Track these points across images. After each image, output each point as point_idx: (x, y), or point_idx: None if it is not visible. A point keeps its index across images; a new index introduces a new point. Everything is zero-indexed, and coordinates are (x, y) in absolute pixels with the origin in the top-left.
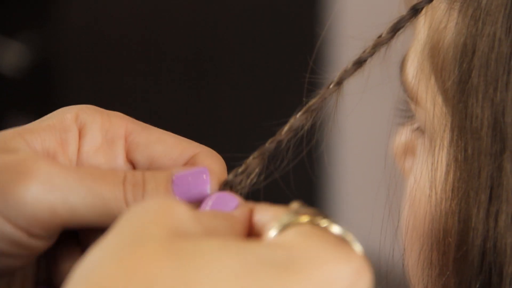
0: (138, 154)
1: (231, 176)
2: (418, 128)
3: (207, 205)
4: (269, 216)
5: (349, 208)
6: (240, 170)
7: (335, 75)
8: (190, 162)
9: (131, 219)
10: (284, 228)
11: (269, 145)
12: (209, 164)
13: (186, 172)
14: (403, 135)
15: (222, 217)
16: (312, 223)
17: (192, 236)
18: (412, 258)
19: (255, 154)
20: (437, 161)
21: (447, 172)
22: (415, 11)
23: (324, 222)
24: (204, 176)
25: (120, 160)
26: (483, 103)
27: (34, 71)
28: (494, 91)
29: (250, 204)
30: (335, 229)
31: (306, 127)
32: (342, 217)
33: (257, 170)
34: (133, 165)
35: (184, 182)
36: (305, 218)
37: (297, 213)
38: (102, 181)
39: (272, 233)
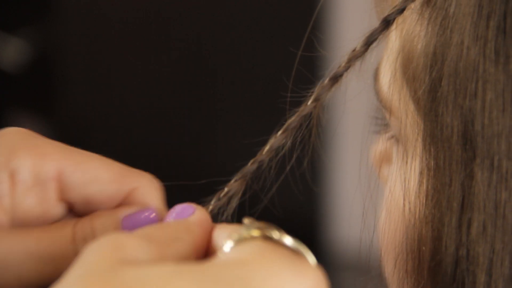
0: (73, 194)
1: (214, 200)
2: (393, 137)
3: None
4: (225, 233)
5: (346, 205)
6: (222, 194)
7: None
8: (128, 199)
9: (82, 258)
10: (237, 243)
11: (251, 166)
12: (150, 201)
13: (133, 212)
14: (379, 144)
15: (177, 225)
16: (265, 236)
17: (142, 263)
18: (389, 267)
19: (237, 176)
20: (410, 170)
21: (420, 181)
22: (387, 23)
23: (276, 235)
24: (152, 215)
25: (53, 202)
26: (453, 112)
27: (34, 67)
28: (463, 99)
29: (211, 222)
30: (288, 241)
31: (290, 145)
32: (337, 222)
33: (239, 192)
34: (69, 204)
35: (133, 221)
36: (257, 232)
37: (250, 227)
38: (51, 246)
39: (225, 248)
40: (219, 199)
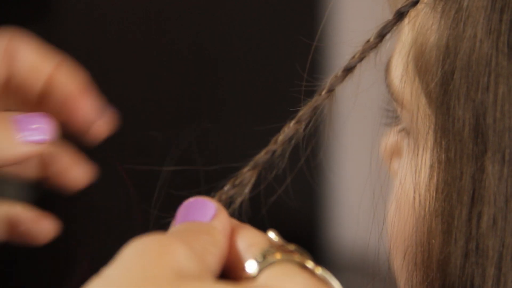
0: None
1: (227, 187)
2: (403, 129)
3: (184, 212)
4: (248, 245)
5: (346, 205)
6: (236, 181)
7: (326, 81)
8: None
9: (134, 256)
10: (263, 265)
11: (264, 155)
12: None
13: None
14: (390, 137)
15: (205, 233)
16: (294, 260)
17: (194, 278)
18: (397, 260)
19: (249, 165)
20: (421, 163)
21: (430, 174)
22: (400, 15)
23: (305, 261)
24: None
25: None
26: (464, 105)
27: None
28: (475, 92)
29: (231, 220)
30: (312, 266)
31: (300, 135)
32: (339, 220)
33: (252, 181)
34: None
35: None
36: (282, 255)
37: (273, 250)
38: None
39: (251, 269)
40: (233, 186)
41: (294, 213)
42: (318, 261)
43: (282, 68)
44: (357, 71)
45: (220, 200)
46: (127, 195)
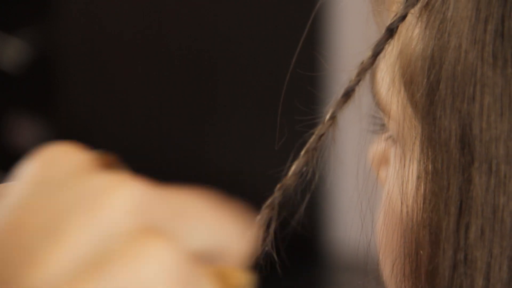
0: None
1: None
2: (391, 137)
3: None
4: None
5: (346, 205)
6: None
7: (326, 109)
8: None
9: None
10: None
11: (278, 193)
12: None
13: None
14: (378, 144)
15: None
16: None
17: None
18: (387, 270)
19: (266, 204)
20: (408, 173)
21: (418, 184)
22: (390, 31)
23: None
24: None
25: None
26: (450, 115)
27: (34, 67)
28: (461, 103)
29: None
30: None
31: (311, 165)
32: (339, 220)
33: (273, 221)
34: None
35: None
36: None
37: None
38: None
39: None
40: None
41: (294, 213)
42: (318, 261)
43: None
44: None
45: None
46: None
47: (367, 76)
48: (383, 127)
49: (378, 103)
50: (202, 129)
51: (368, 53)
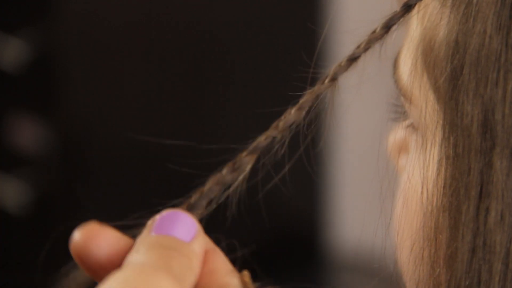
0: None
1: (225, 172)
2: (411, 125)
3: (163, 224)
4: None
5: (347, 205)
6: (235, 165)
7: (329, 70)
8: None
9: None
10: None
11: (264, 141)
12: None
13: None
14: (397, 132)
15: (186, 257)
16: None
17: None
18: (404, 255)
19: (248, 150)
20: (429, 158)
21: (438, 169)
22: (408, 7)
23: None
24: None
25: None
26: (473, 100)
27: (34, 67)
28: (484, 88)
29: (208, 242)
30: None
31: (301, 123)
32: (339, 214)
33: (250, 166)
34: None
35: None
36: None
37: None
38: None
39: None
40: (232, 171)
41: (295, 213)
42: (318, 261)
43: (285, 53)
44: (364, 63)
45: (217, 183)
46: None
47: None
48: (403, 114)
49: (400, 88)
50: (203, 129)
51: (381, 24)
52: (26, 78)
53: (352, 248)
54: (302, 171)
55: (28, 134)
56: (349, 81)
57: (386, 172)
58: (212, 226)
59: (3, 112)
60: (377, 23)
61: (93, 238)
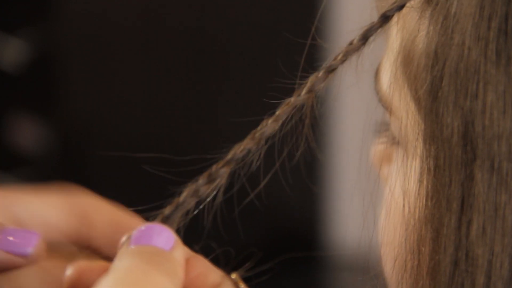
0: None
1: (201, 181)
2: (393, 136)
3: (142, 236)
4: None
5: (346, 205)
6: (211, 177)
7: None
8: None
9: None
10: None
11: (239, 152)
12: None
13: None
14: (380, 143)
15: (171, 263)
16: None
17: None
18: (388, 267)
19: (224, 161)
20: (410, 170)
21: (420, 181)
22: (385, 18)
23: None
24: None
25: None
26: (453, 112)
27: (34, 67)
28: (464, 100)
29: (187, 251)
30: None
31: (276, 133)
32: (339, 220)
33: (225, 178)
34: None
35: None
36: None
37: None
38: None
39: None
40: (207, 182)
41: (294, 213)
42: (318, 261)
43: (266, 62)
44: (345, 77)
45: (192, 195)
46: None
47: (355, 60)
48: (385, 125)
49: (381, 100)
50: (204, 128)
51: (359, 35)
52: (26, 78)
53: (352, 248)
54: (302, 171)
55: (28, 134)
56: (348, 78)
57: (377, 176)
58: (213, 226)
59: (3, 112)
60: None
61: (83, 274)
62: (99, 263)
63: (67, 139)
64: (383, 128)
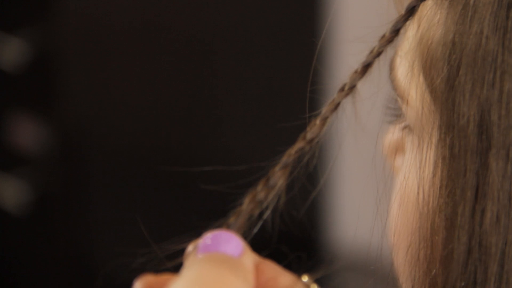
0: None
1: (260, 188)
2: (407, 126)
3: (210, 244)
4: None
5: (346, 205)
6: (268, 182)
7: (339, 79)
8: None
9: None
10: None
11: (293, 154)
12: None
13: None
14: (393, 133)
15: (241, 270)
16: None
17: None
18: (400, 256)
19: (279, 165)
20: (425, 159)
21: (434, 170)
22: (411, 9)
23: None
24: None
25: None
26: (470, 101)
27: (34, 67)
28: (480, 89)
29: (255, 257)
30: None
31: (326, 133)
32: (337, 214)
33: (282, 181)
34: None
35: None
36: None
37: None
38: None
39: None
40: (265, 187)
41: (294, 213)
42: (318, 261)
43: (287, 67)
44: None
45: (252, 201)
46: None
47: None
48: (398, 116)
49: (396, 89)
50: (203, 128)
51: (389, 28)
52: (26, 78)
53: (352, 248)
54: (301, 171)
55: (28, 133)
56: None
57: (383, 172)
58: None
59: (3, 112)
60: (376, 28)
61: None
62: (167, 276)
63: (66, 139)
64: (396, 119)
